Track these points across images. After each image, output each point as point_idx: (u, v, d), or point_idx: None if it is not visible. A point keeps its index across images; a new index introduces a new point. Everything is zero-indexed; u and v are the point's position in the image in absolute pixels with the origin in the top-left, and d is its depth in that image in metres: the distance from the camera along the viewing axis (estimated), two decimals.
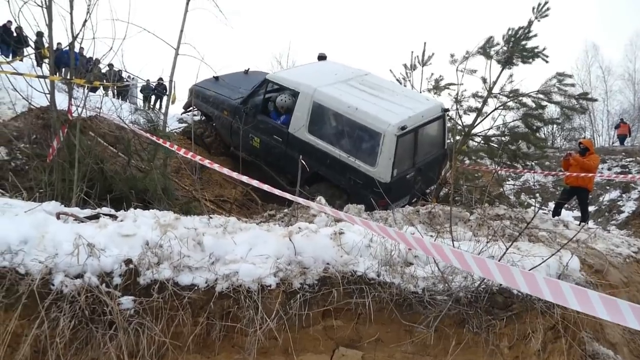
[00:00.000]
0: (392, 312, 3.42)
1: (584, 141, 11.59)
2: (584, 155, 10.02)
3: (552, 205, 15.45)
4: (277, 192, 4.69)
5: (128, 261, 3.31)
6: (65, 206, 5.07)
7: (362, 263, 3.63)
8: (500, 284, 3.50)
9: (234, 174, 5.15)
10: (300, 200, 4.41)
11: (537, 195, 14.76)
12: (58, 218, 4.19)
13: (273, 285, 3.38)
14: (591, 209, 14.18)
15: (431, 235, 4.63)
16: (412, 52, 12.42)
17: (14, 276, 3.04)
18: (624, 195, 16.94)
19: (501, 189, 11.57)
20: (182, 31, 6.55)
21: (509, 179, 15.26)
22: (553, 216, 9.49)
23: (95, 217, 4.41)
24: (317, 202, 4.83)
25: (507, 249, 3.62)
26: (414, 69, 12.50)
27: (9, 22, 15.35)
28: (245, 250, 3.66)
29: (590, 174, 10.13)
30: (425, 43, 12.25)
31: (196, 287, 3.33)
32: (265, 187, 4.87)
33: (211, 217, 4.78)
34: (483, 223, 5.15)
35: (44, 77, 5.17)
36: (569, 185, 10.20)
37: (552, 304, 3.45)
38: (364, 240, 3.77)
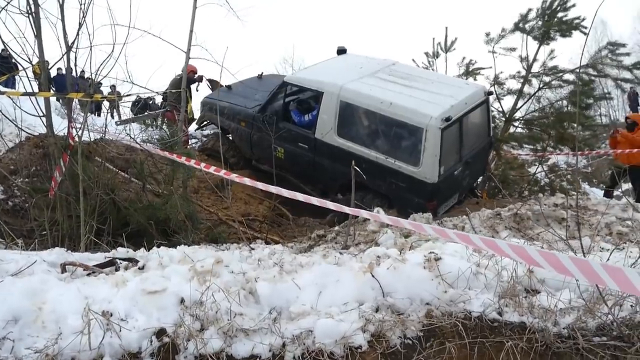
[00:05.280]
0: None
1: (631, 115, 10.59)
2: (633, 131, 9.08)
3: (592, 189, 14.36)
4: (331, 205, 3.75)
5: (160, 332, 2.36)
6: (72, 249, 4.18)
7: (474, 299, 2.66)
8: None
9: (272, 188, 4.23)
10: (365, 213, 3.46)
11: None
12: (64, 271, 3.29)
13: (365, 346, 2.40)
14: (626, 186, 13.17)
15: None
16: (434, 38, 11.52)
17: None
18: None
19: (552, 176, 10.53)
20: (191, 31, 5.65)
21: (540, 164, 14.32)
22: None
23: (110, 263, 3.51)
24: (375, 214, 3.88)
25: None
26: (437, 57, 11.56)
27: None
28: (314, 295, 2.71)
29: None
30: (446, 28, 11.34)
31: (258, 359, 2.37)
32: (314, 200, 3.95)
33: (253, 249, 3.86)
34: (581, 221, 4.14)
35: (32, 94, 4.27)
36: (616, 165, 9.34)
37: None
38: (471, 266, 2.79)
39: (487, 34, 9.58)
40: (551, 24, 9.64)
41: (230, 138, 9.50)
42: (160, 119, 9.53)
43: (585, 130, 10.32)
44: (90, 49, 4.61)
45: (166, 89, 9.12)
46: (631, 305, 2.60)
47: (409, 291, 2.70)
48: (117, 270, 3.32)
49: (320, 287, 2.76)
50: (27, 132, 5.36)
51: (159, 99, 12.67)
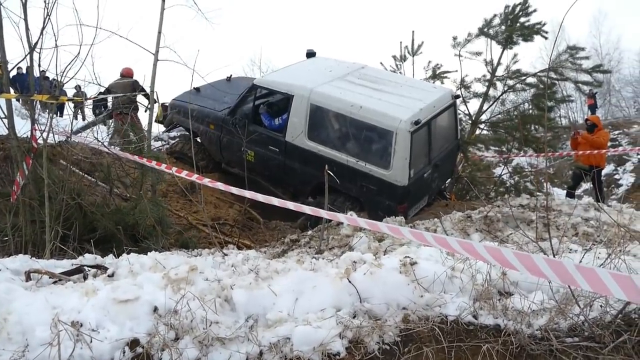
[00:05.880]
0: None
1: (590, 117, 10.95)
2: (592, 132, 9.47)
3: (555, 189, 14.81)
4: (307, 209, 3.74)
5: (134, 342, 2.29)
6: (37, 256, 4.03)
7: (450, 302, 2.69)
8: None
9: (247, 193, 4.17)
10: (342, 217, 3.46)
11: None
12: (28, 279, 3.16)
13: (343, 353, 2.39)
14: (587, 185, 13.63)
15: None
16: (401, 42, 11.66)
17: None
18: (618, 168, 16.59)
19: (516, 177, 10.79)
20: (160, 33, 5.53)
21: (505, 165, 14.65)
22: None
23: (78, 270, 3.39)
24: (352, 218, 3.89)
25: None
26: (404, 60, 11.70)
27: None
28: (290, 302, 2.68)
29: (603, 151, 9.59)
30: (413, 32, 11.49)
31: None
32: (291, 205, 3.93)
33: (226, 254, 3.80)
34: (549, 223, 4.25)
35: None
36: (577, 166, 9.73)
37: None
38: (446, 269, 2.81)
39: (454, 38, 9.76)
40: (514, 28, 9.90)
41: (199, 141, 9.35)
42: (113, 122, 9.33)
43: (547, 132, 10.63)
44: (56, 50, 4.47)
45: (113, 92, 8.92)
46: (601, 306, 2.67)
47: (386, 296, 2.70)
48: (85, 278, 3.21)
49: (296, 294, 2.74)
50: None
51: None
